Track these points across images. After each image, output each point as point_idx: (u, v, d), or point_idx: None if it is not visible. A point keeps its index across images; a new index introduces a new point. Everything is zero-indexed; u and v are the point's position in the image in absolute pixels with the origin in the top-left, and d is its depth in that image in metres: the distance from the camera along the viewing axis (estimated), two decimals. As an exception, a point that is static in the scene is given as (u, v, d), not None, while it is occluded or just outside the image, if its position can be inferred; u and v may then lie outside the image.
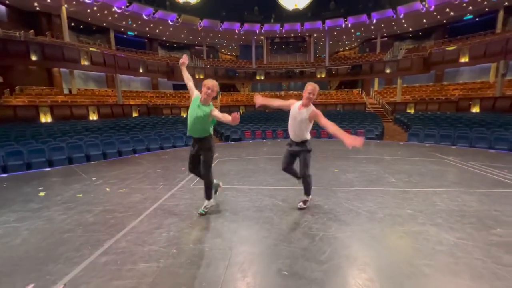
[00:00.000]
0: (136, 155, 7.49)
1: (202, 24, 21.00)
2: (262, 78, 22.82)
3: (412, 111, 17.72)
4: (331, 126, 2.68)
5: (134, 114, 17.23)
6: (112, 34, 21.40)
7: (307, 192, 3.15)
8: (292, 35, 25.62)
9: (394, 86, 22.68)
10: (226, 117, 2.73)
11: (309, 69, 22.97)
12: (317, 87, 2.94)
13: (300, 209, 3.10)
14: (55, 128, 11.22)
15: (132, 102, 18.77)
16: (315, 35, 25.23)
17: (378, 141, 10.08)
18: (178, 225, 2.77)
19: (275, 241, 2.39)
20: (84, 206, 3.35)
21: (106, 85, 20.70)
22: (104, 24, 20.43)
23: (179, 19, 19.71)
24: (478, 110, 15.15)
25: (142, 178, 4.66)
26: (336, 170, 4.96)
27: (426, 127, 11.09)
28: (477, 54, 16.10)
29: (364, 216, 2.93)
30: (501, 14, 18.43)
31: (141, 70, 18.73)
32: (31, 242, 2.47)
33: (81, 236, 2.56)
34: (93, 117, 15.00)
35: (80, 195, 3.78)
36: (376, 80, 24.19)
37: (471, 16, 20.37)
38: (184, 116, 18.39)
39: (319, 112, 2.87)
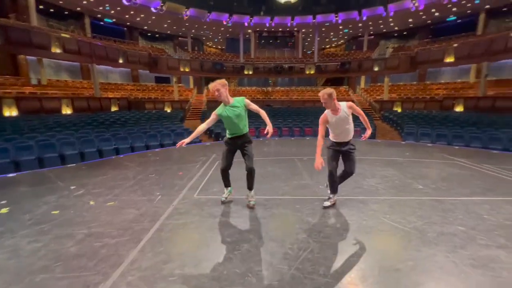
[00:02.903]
0: (121, 156, 6.62)
1: (188, 13, 19.78)
2: (251, 72, 22.11)
3: (399, 110, 17.95)
4: (363, 115, 3.06)
5: (114, 108, 15.90)
6: (87, 20, 19.57)
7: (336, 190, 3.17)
8: (280, 29, 25.06)
9: (379, 84, 22.98)
10: (261, 110, 3.03)
11: (298, 65, 22.60)
12: (325, 94, 2.87)
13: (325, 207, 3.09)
14: (22, 123, 9.88)
15: (111, 95, 17.35)
16: (303, 30, 24.85)
17: (378, 141, 9.88)
18: (194, 255, 2.15)
19: (326, 280, 1.86)
20: (62, 229, 2.61)
21: (81, 76, 18.96)
22: (78, 8, 18.58)
23: (163, 7, 18.38)
24: (461, 109, 15.60)
25: (134, 186, 3.92)
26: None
27: (420, 126, 11.10)
28: (461, 55, 16.53)
29: (415, 236, 2.48)
30: (482, 16, 19.10)
31: (120, 61, 17.30)
32: (-13, 292, 1.75)
33: (61, 279, 1.87)
34: (67, 111, 13.57)
35: (56, 212, 3.01)
36: (363, 78, 24.38)
37: (454, 18, 20.97)
38: (169, 111, 17.31)
39: (353, 104, 2.99)
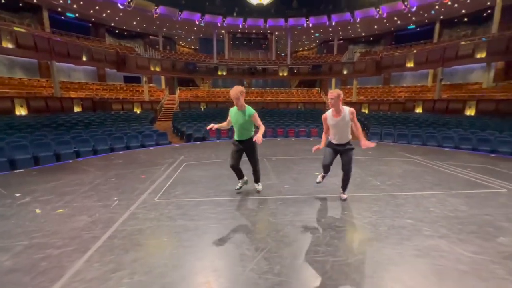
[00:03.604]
0: (80, 159, 6.18)
1: (158, 11, 19.15)
2: (224, 73, 21.97)
3: (366, 111, 18.95)
4: (359, 126, 3.18)
5: (77, 109, 14.87)
6: (45, 14, 18.07)
7: (346, 187, 3.39)
8: (254, 31, 25.24)
9: (349, 86, 24.07)
10: (262, 125, 3.30)
11: (271, 67, 22.91)
12: (334, 92, 3.01)
13: (344, 200, 3.36)
14: (-35, 125, 8.85)
15: (73, 95, 16.20)
16: (276, 33, 25.27)
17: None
18: (146, 262, 2.05)
19: (280, 278, 1.87)
20: (-2, 241, 2.36)
21: (39, 74, 17.45)
22: (35, 0, 17.13)
23: (131, 3, 17.58)
24: (421, 111, 16.87)
25: (89, 192, 3.66)
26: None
27: (383, 126, 11.79)
28: (420, 60, 17.89)
29: (369, 230, 2.60)
30: (437, 26, 20.88)
31: (84, 58, 16.25)
32: None
33: (-12, 298, 1.67)
34: (21, 112, 12.44)
35: (-6, 223, 2.71)
36: (334, 81, 25.34)
37: (413, 26, 22.68)
38: (138, 112, 16.57)
39: (354, 111, 3.12)
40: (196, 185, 3.92)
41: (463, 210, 3.07)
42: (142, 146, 8.82)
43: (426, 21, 21.09)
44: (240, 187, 3.67)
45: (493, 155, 6.98)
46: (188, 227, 2.65)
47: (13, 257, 2.11)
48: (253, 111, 3.27)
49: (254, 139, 3.11)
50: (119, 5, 17.61)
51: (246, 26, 22.94)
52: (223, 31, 24.26)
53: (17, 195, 3.53)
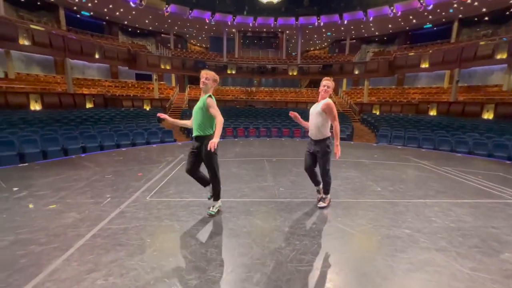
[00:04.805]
0: (83, 155, 6.29)
1: (169, 9, 19.33)
2: (234, 72, 21.95)
3: (377, 112, 18.45)
4: (336, 127, 2.86)
5: (88, 105, 15.24)
6: (62, 12, 18.63)
7: (327, 191, 3.12)
8: (264, 30, 25.07)
9: (360, 87, 23.52)
10: (218, 118, 2.58)
11: (281, 66, 22.69)
12: (330, 82, 2.87)
13: (321, 208, 3.13)
14: (-19, 119, 9.22)
15: (86, 91, 16.62)
16: (287, 31, 24.98)
17: (352, 142, 10.04)
18: (124, 264, 2.01)
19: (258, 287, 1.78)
20: (-14, 235, 2.39)
21: (55, 70, 18.02)
22: (52, -1, 17.67)
23: (142, 2, 17.83)
24: (435, 113, 16.24)
25: (84, 188, 3.69)
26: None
27: (393, 128, 11.41)
28: (436, 61, 17.22)
29: (360, 239, 2.46)
30: (455, 25, 20.00)
31: (97, 56, 16.63)
32: None
33: (-38, 293, 1.67)
34: (36, 107, 12.85)
35: (-14, 216, 2.76)
36: (345, 81, 24.88)
37: (430, 25, 21.83)
38: (148, 109, 16.83)
39: (331, 105, 2.82)
40: (191, 184, 3.87)
41: (466, 221, 2.87)
42: (148, 143, 8.92)
43: (443, 20, 20.25)
44: (211, 197, 2.94)
45: (509, 162, 6.58)
46: (174, 228, 2.60)
47: (-4, 253, 2.12)
48: (210, 95, 2.65)
49: (209, 147, 2.40)
50: (131, 3, 17.90)
51: (256, 24, 22.81)
52: (233, 30, 24.23)
53: (15, 189, 3.60)
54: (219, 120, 2.54)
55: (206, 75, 2.67)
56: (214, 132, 2.61)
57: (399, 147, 8.73)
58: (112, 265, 1.99)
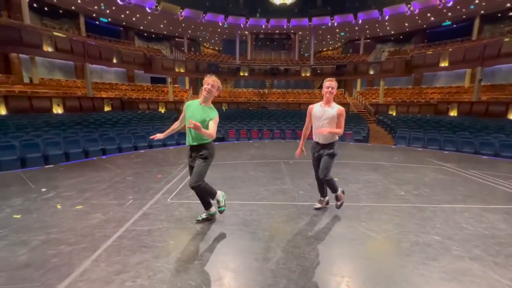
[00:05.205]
0: (104, 157, 6.48)
1: (183, 14, 19.72)
2: (246, 74, 22.07)
3: (394, 113, 17.95)
4: (339, 131, 2.82)
5: (106, 108, 15.75)
6: (82, 20, 19.44)
7: (334, 190, 2.98)
8: (277, 31, 25.06)
9: (375, 87, 22.99)
10: (212, 131, 2.47)
11: (294, 67, 22.60)
12: (334, 83, 2.82)
13: (317, 209, 3.11)
14: (9, 122, 9.71)
15: (104, 95, 17.18)
16: (300, 32, 24.85)
17: (369, 144, 9.80)
18: (150, 266, 2.03)
19: (285, 293, 1.75)
20: (19, 234, 2.48)
21: (75, 75, 18.79)
22: (73, 7, 18.46)
23: (158, 7, 18.31)
24: (456, 114, 15.61)
25: (107, 190, 3.79)
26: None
27: (412, 130, 11.04)
28: (456, 59, 16.58)
29: (387, 246, 2.37)
30: (477, 22, 19.18)
31: (114, 61, 17.19)
32: None
33: (0, 291, 1.74)
34: (58, 110, 13.41)
35: (18, 216, 2.88)
36: (359, 81, 24.40)
37: (449, 23, 21.06)
38: (163, 111, 17.17)
39: (344, 111, 2.87)
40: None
41: (501, 229, 2.71)
42: (164, 145, 9.08)
43: (463, 16, 19.49)
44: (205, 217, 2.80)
45: (540, 165, 6.20)
46: (196, 230, 2.61)
47: (29, 252, 2.20)
48: (217, 113, 2.55)
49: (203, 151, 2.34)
50: (147, 9, 18.40)
51: (269, 26, 22.85)
52: (246, 32, 24.39)
53: (43, 189, 3.75)
54: (212, 133, 2.42)
55: (213, 82, 2.49)
56: (210, 141, 2.54)
57: (419, 149, 8.43)
58: (139, 267, 2.01)
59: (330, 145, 2.87)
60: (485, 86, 16.64)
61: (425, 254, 2.24)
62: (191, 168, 2.58)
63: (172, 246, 2.33)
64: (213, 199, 2.69)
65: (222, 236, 2.51)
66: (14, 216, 2.87)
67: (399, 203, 3.39)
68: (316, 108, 2.91)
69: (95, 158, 6.28)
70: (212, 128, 2.45)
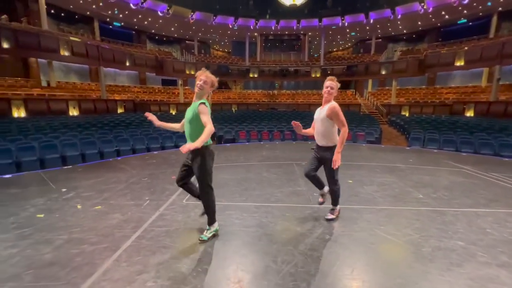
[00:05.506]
0: (119, 158, 6.62)
1: (194, 16, 20.00)
2: (256, 75, 22.12)
3: (407, 114, 17.56)
4: (344, 133, 2.59)
5: (120, 110, 16.12)
6: (96, 24, 20.02)
7: (335, 202, 2.89)
8: (286, 32, 25.01)
9: (387, 88, 22.57)
10: (208, 126, 2.22)
11: (303, 68, 22.48)
12: (335, 82, 2.67)
13: (329, 220, 2.87)
14: (29, 124, 10.08)
15: (117, 97, 17.60)
16: (310, 33, 24.73)
17: (382, 146, 9.62)
18: (170, 266, 2.05)
19: (307, 297, 1.73)
20: (43, 233, 2.56)
21: (90, 78, 19.35)
22: (88, 13, 19.04)
23: (169, 11, 18.64)
24: (472, 114, 15.11)
25: (124, 190, 3.87)
26: (350, 181, 4.36)
27: (427, 131, 10.76)
28: (472, 58, 16.07)
29: (408, 250, 2.31)
30: (494, 19, 18.53)
31: (127, 64, 17.58)
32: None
33: (28, 289, 1.80)
34: (74, 112, 13.82)
35: (41, 215, 2.97)
36: (370, 82, 24.04)
37: (464, 20, 20.45)
38: (174, 113, 17.42)
39: (337, 108, 2.60)
40: (223, 188, 3.90)
41: (529, 235, 2.59)
42: (176, 146, 9.20)
43: (480, 14, 18.87)
44: (203, 213, 2.58)
45: None
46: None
47: (54, 251, 2.26)
48: (204, 101, 2.30)
49: (182, 147, 2.02)
50: (159, 12, 18.76)
51: (278, 27, 22.84)
52: (255, 34, 24.46)
53: (63, 189, 3.86)
54: (208, 127, 2.20)
55: (205, 78, 2.31)
56: (209, 143, 2.35)
57: (434, 150, 8.20)
58: (159, 267, 2.04)
59: (330, 149, 2.67)
60: (504, 85, 16.04)
61: (448, 259, 2.17)
62: (184, 165, 2.50)
63: (190, 247, 2.35)
64: (213, 217, 2.50)
65: (239, 238, 2.51)
66: (38, 215, 2.97)
67: (418, 207, 3.30)
68: (317, 110, 2.84)
69: (110, 159, 6.43)
70: (207, 122, 2.22)
